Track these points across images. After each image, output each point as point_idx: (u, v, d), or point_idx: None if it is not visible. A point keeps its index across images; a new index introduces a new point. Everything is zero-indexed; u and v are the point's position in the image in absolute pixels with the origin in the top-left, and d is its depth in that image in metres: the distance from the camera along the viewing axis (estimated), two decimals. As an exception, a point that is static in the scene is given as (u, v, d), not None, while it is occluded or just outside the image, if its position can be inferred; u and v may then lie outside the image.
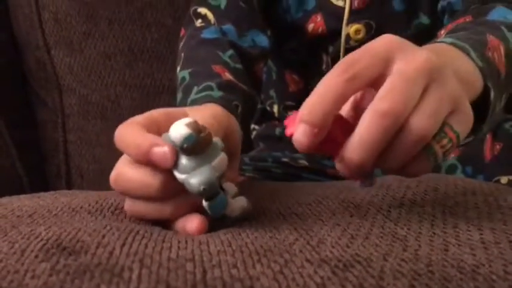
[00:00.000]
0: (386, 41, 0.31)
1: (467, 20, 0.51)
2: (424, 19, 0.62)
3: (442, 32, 0.53)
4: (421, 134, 0.30)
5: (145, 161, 0.31)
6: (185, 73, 0.53)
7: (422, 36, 0.61)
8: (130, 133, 0.33)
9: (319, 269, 0.24)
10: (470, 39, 0.41)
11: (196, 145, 0.30)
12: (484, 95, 0.38)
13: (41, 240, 0.27)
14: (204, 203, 0.30)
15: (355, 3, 0.60)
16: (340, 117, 0.32)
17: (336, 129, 0.30)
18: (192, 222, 0.31)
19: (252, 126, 0.76)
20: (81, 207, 0.34)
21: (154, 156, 0.30)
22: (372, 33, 0.60)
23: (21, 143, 0.80)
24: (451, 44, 0.39)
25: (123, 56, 0.80)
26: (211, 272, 0.23)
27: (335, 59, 0.62)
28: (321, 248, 0.27)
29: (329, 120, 0.30)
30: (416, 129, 0.29)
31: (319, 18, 0.62)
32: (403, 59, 0.30)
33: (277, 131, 0.71)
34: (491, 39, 0.43)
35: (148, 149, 0.30)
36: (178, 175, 0.30)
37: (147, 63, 0.81)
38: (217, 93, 0.48)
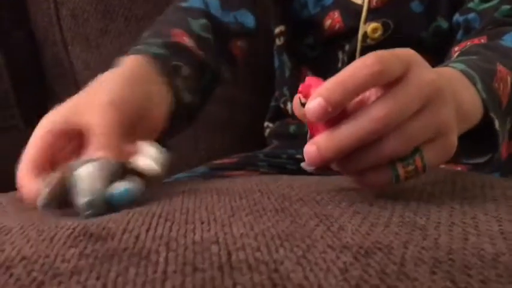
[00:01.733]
0: (411, 52, 0.33)
1: (482, 41, 0.51)
2: (443, 23, 0.62)
3: (456, 48, 0.54)
4: (390, 154, 0.32)
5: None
6: (146, 33, 0.54)
7: (439, 40, 0.61)
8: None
9: (341, 254, 0.24)
10: (480, 67, 0.43)
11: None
12: (488, 124, 0.40)
13: (68, 229, 0.27)
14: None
15: (374, 2, 0.60)
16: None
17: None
18: None
19: (266, 123, 0.76)
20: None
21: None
22: (389, 33, 0.60)
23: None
24: (462, 71, 0.41)
25: (139, 53, 0.81)
26: (236, 254, 0.23)
27: (351, 57, 0.62)
28: (341, 235, 0.27)
29: (344, 104, 0.31)
30: (388, 147, 0.31)
31: (336, 14, 0.62)
32: (415, 73, 0.32)
33: (291, 128, 0.71)
34: (500, 68, 0.44)
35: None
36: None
37: (163, 60, 0.81)
38: (155, 50, 0.48)
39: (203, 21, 0.56)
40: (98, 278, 0.21)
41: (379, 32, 0.60)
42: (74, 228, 0.27)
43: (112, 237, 0.25)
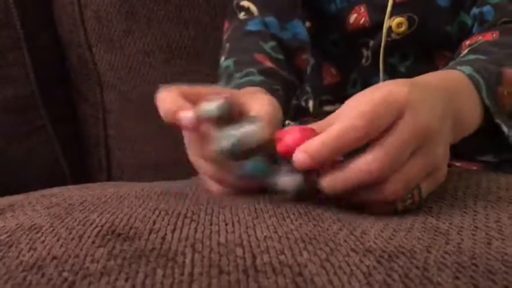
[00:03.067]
0: (404, 94, 0.33)
1: (494, 36, 0.51)
2: (466, 18, 0.61)
3: (468, 42, 0.53)
4: (391, 198, 0.32)
5: (172, 123, 0.36)
6: (230, 62, 0.56)
7: (463, 35, 0.61)
8: (164, 97, 0.38)
9: (365, 258, 0.24)
10: (488, 71, 0.43)
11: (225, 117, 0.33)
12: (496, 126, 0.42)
13: (96, 226, 0.28)
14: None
15: None
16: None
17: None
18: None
19: (287, 122, 0.76)
20: (128, 194, 0.35)
21: (180, 121, 0.35)
22: (414, 27, 0.60)
23: (64, 137, 0.83)
24: (468, 76, 0.42)
25: (162, 53, 0.82)
26: (260, 257, 0.23)
27: (375, 53, 0.63)
28: (364, 239, 0.27)
29: (328, 161, 0.32)
30: (388, 192, 0.32)
31: (362, 9, 0.62)
32: (408, 119, 0.32)
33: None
34: (508, 73, 0.45)
35: (174, 113, 0.35)
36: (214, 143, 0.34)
37: (184, 60, 0.82)
38: (257, 78, 0.51)
39: (272, 43, 0.59)
40: (126, 280, 0.22)
41: (404, 27, 0.60)
42: (102, 226, 0.28)
43: (139, 237, 0.26)
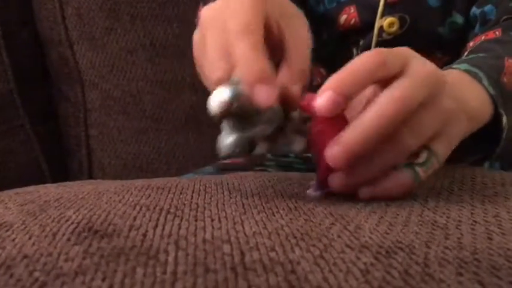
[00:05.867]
0: (406, 48, 0.33)
1: (497, 33, 0.51)
2: (458, 18, 0.61)
3: (471, 44, 0.53)
4: (406, 149, 0.32)
5: None
6: None
7: (456, 36, 0.60)
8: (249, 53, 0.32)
9: (361, 254, 0.23)
10: (486, 64, 0.42)
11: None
12: (496, 119, 0.40)
13: (72, 223, 0.26)
14: None
15: None
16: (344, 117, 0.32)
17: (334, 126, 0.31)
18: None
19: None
20: (107, 190, 0.33)
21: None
22: (405, 27, 0.60)
23: (44, 137, 0.81)
24: (465, 71, 0.40)
25: (145, 51, 0.80)
26: (249, 254, 0.22)
27: None
28: (359, 234, 0.26)
29: (353, 95, 0.31)
30: (403, 142, 0.31)
31: (352, 9, 0.61)
32: (417, 64, 0.32)
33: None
34: (509, 63, 0.43)
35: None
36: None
37: (169, 59, 0.80)
38: None
39: None
40: (103, 279, 0.20)
41: (396, 27, 0.59)
42: (78, 223, 0.26)
43: (118, 234, 0.24)
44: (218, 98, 0.31)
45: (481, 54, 0.45)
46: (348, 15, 0.61)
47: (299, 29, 0.36)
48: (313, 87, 0.68)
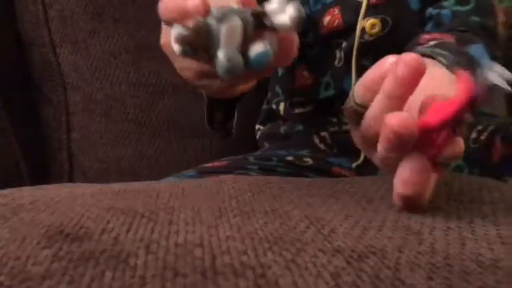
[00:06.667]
0: None
1: (451, 41, 0.52)
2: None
3: (427, 37, 0.53)
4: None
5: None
6: None
7: None
8: None
9: (333, 258, 0.23)
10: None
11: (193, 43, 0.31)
12: None
13: (43, 226, 0.26)
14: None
15: None
16: None
17: None
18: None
19: (257, 126, 0.75)
20: (83, 193, 0.33)
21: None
22: (387, 29, 0.61)
23: (25, 140, 0.80)
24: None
25: (129, 55, 0.80)
26: (220, 258, 0.22)
27: (348, 54, 0.62)
28: (333, 238, 0.26)
29: None
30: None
31: (336, 11, 0.62)
32: None
33: (282, 129, 0.70)
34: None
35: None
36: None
37: (152, 62, 0.80)
38: None
39: None
40: (70, 282, 0.19)
41: (378, 28, 0.60)
42: (49, 226, 0.25)
43: (89, 237, 0.24)
44: (175, 34, 0.31)
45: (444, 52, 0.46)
46: (332, 17, 0.62)
47: None
48: (295, 89, 0.69)
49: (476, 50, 0.51)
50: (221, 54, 0.31)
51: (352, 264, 0.22)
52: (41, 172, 0.82)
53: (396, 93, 0.32)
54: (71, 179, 0.82)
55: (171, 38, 0.32)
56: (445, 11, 0.57)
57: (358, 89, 0.35)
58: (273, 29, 0.33)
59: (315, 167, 0.65)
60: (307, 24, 0.64)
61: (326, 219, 0.29)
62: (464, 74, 0.31)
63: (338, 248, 0.24)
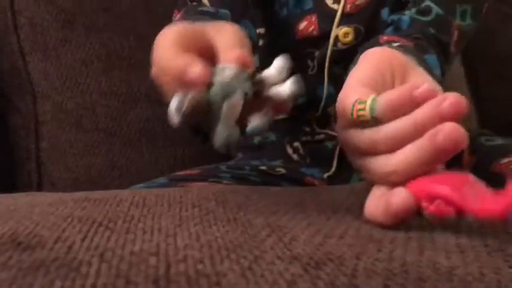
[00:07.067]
0: None
1: (410, 46, 0.53)
2: None
3: (385, 38, 0.54)
4: None
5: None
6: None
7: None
8: (165, 53, 0.36)
9: (290, 266, 0.23)
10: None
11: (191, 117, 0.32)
12: None
13: (-4, 236, 0.25)
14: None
15: (348, 7, 0.61)
16: None
17: None
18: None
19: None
20: (42, 202, 0.32)
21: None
22: (360, 38, 0.62)
23: (-8, 149, 0.78)
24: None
25: (100, 63, 0.79)
26: (175, 266, 0.21)
27: (321, 62, 0.63)
28: (293, 245, 0.26)
29: None
30: None
31: (313, 18, 0.63)
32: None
33: (256, 139, 0.70)
34: None
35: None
36: None
37: (124, 71, 0.80)
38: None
39: None
40: (17, 292, 0.19)
41: (350, 37, 0.61)
42: (2, 235, 0.25)
43: (42, 246, 0.23)
44: (174, 106, 0.32)
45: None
46: (309, 23, 0.63)
47: (227, 32, 0.38)
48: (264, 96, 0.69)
49: (431, 60, 0.52)
50: (220, 130, 0.31)
51: (309, 272, 0.22)
52: (9, 182, 0.80)
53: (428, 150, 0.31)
54: (39, 189, 0.80)
55: (170, 104, 0.32)
56: (404, 17, 0.58)
57: (382, 105, 0.33)
58: (271, 97, 0.33)
59: (287, 177, 0.65)
60: (281, 29, 0.65)
61: (288, 227, 0.29)
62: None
63: (297, 255, 0.24)
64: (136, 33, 0.80)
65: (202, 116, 0.32)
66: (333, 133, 0.66)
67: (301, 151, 0.67)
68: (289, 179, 0.64)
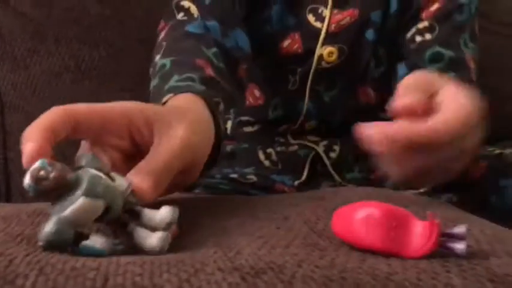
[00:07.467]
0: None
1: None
2: (383, 52, 0.65)
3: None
4: None
5: None
6: (166, 61, 0.51)
7: (382, 70, 0.65)
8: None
9: (229, 275, 0.23)
10: None
11: (43, 194, 0.27)
12: None
13: None
14: None
15: (332, 27, 0.61)
16: None
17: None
18: None
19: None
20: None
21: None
22: (343, 57, 0.62)
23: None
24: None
25: (70, 74, 0.79)
26: (113, 279, 0.22)
27: (304, 79, 0.63)
28: (236, 258, 0.26)
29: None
30: None
31: (297, 36, 0.63)
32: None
33: (229, 147, 0.71)
34: None
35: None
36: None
37: (94, 82, 0.79)
38: (198, 87, 0.46)
39: (214, 49, 0.54)
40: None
41: (334, 56, 0.62)
42: None
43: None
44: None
45: None
46: (292, 41, 0.63)
47: (170, 138, 0.35)
48: (245, 108, 0.69)
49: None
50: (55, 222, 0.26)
51: (246, 280, 0.23)
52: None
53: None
54: (8, 200, 0.79)
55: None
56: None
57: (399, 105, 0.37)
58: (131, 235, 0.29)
59: (258, 185, 0.65)
60: (265, 44, 0.65)
61: (236, 242, 0.30)
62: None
63: (238, 266, 0.25)
64: (107, 45, 0.80)
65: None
66: (307, 143, 0.67)
67: (273, 157, 0.67)
68: (259, 187, 0.64)
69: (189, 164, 0.36)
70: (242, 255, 0.27)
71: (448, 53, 0.59)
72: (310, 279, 0.24)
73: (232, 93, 0.53)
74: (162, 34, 0.57)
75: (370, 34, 0.63)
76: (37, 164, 0.27)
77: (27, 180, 0.27)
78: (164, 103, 0.42)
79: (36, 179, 0.27)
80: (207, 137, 0.40)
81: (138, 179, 0.32)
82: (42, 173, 0.27)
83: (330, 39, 0.62)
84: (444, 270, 0.27)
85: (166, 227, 0.29)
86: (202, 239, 0.31)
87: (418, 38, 0.61)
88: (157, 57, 0.53)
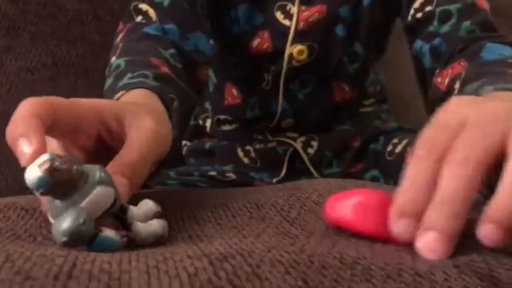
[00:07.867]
0: (453, 107, 0.31)
1: (462, 64, 0.50)
2: (358, 48, 0.64)
3: (439, 80, 0.53)
4: None
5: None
6: (121, 61, 0.50)
7: (357, 66, 0.64)
8: (20, 112, 0.30)
9: (198, 261, 0.24)
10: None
11: (55, 188, 0.26)
12: None
13: None
14: None
15: (301, 25, 0.61)
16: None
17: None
18: None
19: (184, 142, 0.75)
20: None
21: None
22: (313, 56, 0.62)
23: None
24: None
25: (47, 71, 0.78)
26: (81, 266, 0.22)
27: (276, 78, 0.63)
28: (206, 247, 0.26)
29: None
30: None
31: (266, 35, 0.63)
32: (475, 110, 0.30)
33: (208, 145, 0.71)
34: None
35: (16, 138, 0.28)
36: (51, 219, 0.26)
37: (71, 78, 0.79)
38: (152, 83, 0.45)
39: (172, 51, 0.53)
40: None
41: (305, 55, 0.62)
42: None
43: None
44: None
45: (484, 79, 0.43)
46: (262, 40, 0.63)
47: (142, 130, 0.34)
48: (224, 106, 0.69)
49: (490, 50, 0.50)
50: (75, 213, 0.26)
51: (214, 264, 0.23)
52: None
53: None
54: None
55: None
56: (436, 41, 0.56)
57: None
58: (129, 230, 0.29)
59: (237, 182, 0.65)
60: (235, 44, 0.65)
61: (208, 234, 0.30)
62: None
63: (208, 253, 0.25)
64: (84, 41, 0.79)
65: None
66: (285, 139, 0.67)
67: (252, 154, 0.68)
68: (238, 185, 0.65)
69: (158, 156, 0.36)
70: (213, 245, 0.27)
71: (453, 7, 0.56)
72: (279, 263, 0.24)
73: (190, 92, 0.51)
74: (120, 36, 0.57)
75: (340, 30, 0.62)
76: (47, 156, 0.25)
77: (36, 173, 0.25)
78: (117, 100, 0.42)
79: (49, 171, 0.25)
80: (169, 129, 0.39)
81: (118, 173, 0.31)
82: (57, 163, 0.25)
83: (299, 37, 0.62)
84: (410, 258, 0.27)
85: (158, 216, 0.29)
86: (174, 232, 0.31)
87: (419, 15, 0.58)
88: (113, 58, 0.52)
